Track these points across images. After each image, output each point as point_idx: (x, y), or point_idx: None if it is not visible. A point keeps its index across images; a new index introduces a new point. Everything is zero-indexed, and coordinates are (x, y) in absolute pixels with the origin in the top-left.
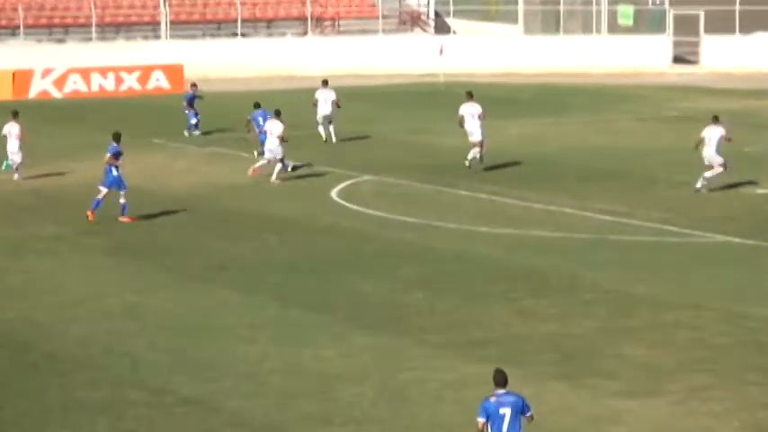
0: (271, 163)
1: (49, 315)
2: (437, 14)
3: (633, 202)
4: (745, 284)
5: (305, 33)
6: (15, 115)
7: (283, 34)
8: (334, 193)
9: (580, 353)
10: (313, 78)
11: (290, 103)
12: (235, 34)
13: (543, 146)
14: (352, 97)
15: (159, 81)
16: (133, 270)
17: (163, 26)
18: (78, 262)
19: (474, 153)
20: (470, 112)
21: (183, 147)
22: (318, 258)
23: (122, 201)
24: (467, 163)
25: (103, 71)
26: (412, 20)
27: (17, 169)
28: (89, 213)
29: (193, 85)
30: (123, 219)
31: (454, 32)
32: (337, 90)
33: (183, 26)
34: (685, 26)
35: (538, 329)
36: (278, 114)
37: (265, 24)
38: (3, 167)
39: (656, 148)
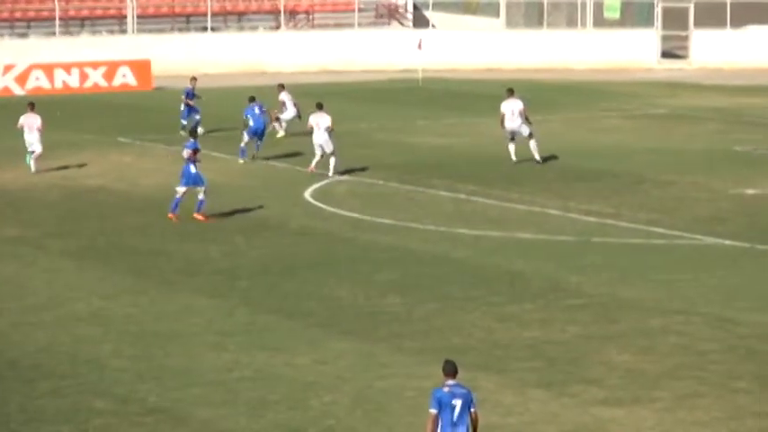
0: (324, 158)
1: (12, 321)
2: (416, 7)
3: (619, 202)
4: (734, 288)
5: (277, 27)
6: (32, 107)
7: (255, 28)
8: (307, 194)
9: (564, 359)
10: (286, 75)
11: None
12: (204, 28)
13: (526, 144)
14: (326, 94)
15: (126, 77)
16: (99, 274)
17: (129, 20)
18: (42, 265)
19: (532, 148)
20: (511, 108)
21: (151, 145)
22: (291, 262)
23: (201, 197)
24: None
25: (67, 67)
26: (389, 13)
27: (35, 160)
28: (171, 216)
29: (193, 78)
30: (198, 216)
31: (433, 26)
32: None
33: (151, 20)
34: (674, 20)
35: (520, 335)
36: (321, 107)
37: (236, 18)
38: (27, 161)
39: (643, 146)
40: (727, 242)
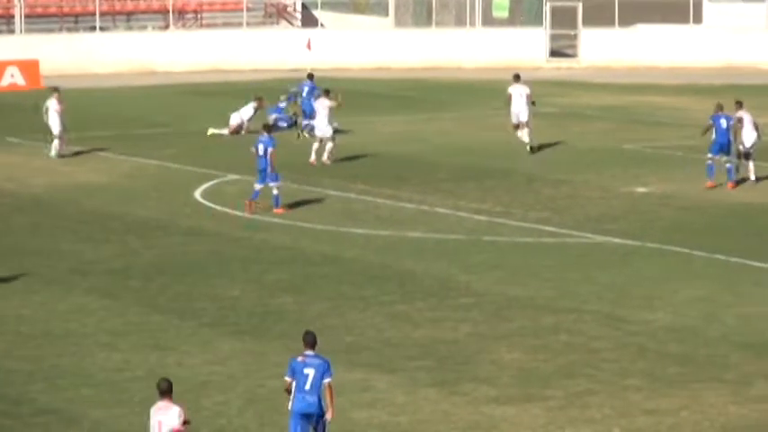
0: (323, 143)
1: None
2: (304, 6)
3: (510, 201)
4: (625, 286)
5: (166, 27)
6: (56, 90)
7: (144, 28)
8: (197, 194)
9: (455, 358)
10: (176, 74)
11: (152, 100)
12: (93, 28)
13: (416, 144)
14: (215, 94)
15: (14, 77)
16: None
17: (17, 19)
18: None
19: (524, 135)
20: (519, 92)
21: (41, 145)
22: (182, 262)
23: (275, 192)
24: (528, 149)
25: None
26: (278, 12)
27: (57, 145)
28: (249, 203)
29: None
30: (278, 210)
31: (322, 25)
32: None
33: (39, 20)
34: (563, 18)
35: (411, 335)
36: (327, 93)
37: (125, 18)
38: (51, 154)
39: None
40: (618, 240)
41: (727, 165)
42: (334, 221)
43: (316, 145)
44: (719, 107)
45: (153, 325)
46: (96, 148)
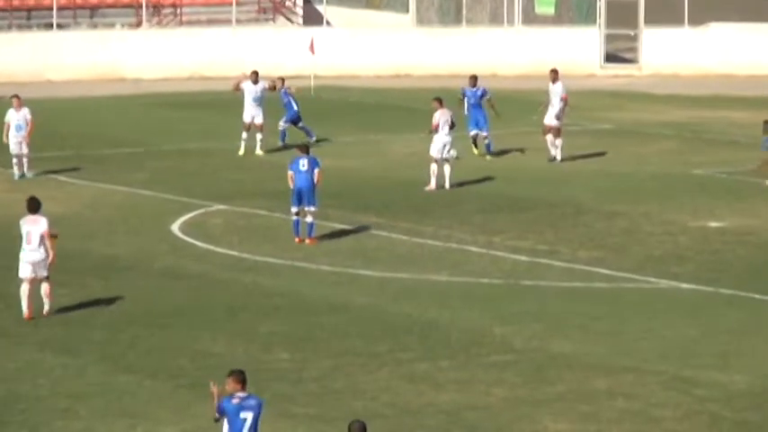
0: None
1: None
2: (306, 0)
3: (555, 238)
4: (693, 342)
5: (138, 24)
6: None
7: (111, 25)
8: (175, 227)
9: (487, 429)
10: (148, 81)
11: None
12: (49, 25)
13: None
14: (195, 105)
15: None
16: None
17: None
18: None
19: (550, 144)
20: (555, 91)
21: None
22: (156, 310)
23: (310, 219)
24: (551, 160)
25: None
26: (274, 7)
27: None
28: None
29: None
30: (310, 241)
31: (328, 23)
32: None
33: None
34: (621, 16)
35: (434, 400)
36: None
37: (88, 13)
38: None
39: (583, 169)
40: (686, 286)
41: None
42: (341, 261)
43: None
44: None
45: (119, 387)
46: (51, 170)
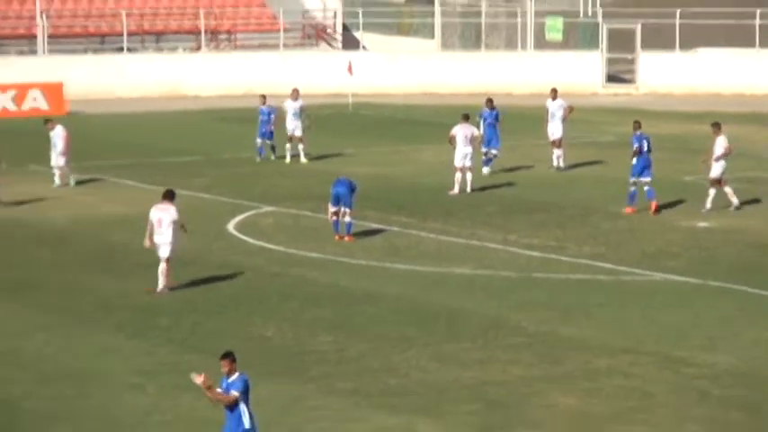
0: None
1: None
2: (345, 28)
3: (563, 236)
4: (684, 327)
5: (198, 48)
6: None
7: (174, 49)
8: (231, 226)
9: (505, 402)
10: (206, 98)
11: (181, 125)
12: (120, 49)
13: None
14: (248, 119)
15: (37, 101)
16: (9, 310)
17: (40, 40)
18: None
19: (557, 155)
20: (556, 106)
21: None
22: (215, 299)
23: (348, 220)
24: (551, 168)
25: None
26: (317, 34)
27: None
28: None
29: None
30: (347, 238)
31: (364, 48)
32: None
33: (63, 40)
34: (620, 41)
35: (459, 377)
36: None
37: (154, 38)
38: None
39: (588, 176)
40: (678, 278)
41: None
42: (376, 257)
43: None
44: None
45: (183, 366)
46: (121, 176)
